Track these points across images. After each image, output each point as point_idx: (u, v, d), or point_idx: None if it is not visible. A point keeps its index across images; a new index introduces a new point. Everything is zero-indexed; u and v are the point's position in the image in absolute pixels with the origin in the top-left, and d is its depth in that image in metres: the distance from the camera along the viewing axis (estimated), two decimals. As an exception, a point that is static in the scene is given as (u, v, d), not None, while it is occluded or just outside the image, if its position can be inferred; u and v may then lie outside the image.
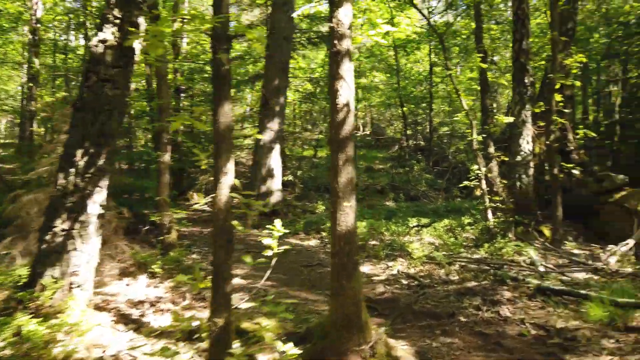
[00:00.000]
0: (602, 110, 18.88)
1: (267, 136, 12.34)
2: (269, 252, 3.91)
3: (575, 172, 10.53)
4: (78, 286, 4.59)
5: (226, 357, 3.30)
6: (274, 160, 12.46)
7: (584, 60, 9.95)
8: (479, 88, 14.04)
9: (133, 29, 4.66)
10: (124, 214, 7.14)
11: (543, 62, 14.60)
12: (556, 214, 9.18)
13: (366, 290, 6.26)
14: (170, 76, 14.99)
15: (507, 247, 8.41)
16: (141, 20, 4.99)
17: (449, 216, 11.50)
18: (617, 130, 16.21)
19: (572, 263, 7.79)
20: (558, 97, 9.57)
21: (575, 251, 8.85)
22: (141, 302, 5.34)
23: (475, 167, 9.85)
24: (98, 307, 4.93)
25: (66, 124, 5.90)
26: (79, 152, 4.63)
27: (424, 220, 11.00)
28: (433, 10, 20.04)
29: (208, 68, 14.83)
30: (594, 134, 10.88)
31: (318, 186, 16.32)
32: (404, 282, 6.83)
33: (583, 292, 5.61)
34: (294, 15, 11.52)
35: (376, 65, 22.26)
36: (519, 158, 9.85)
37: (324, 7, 17.59)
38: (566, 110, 10.56)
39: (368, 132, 26.39)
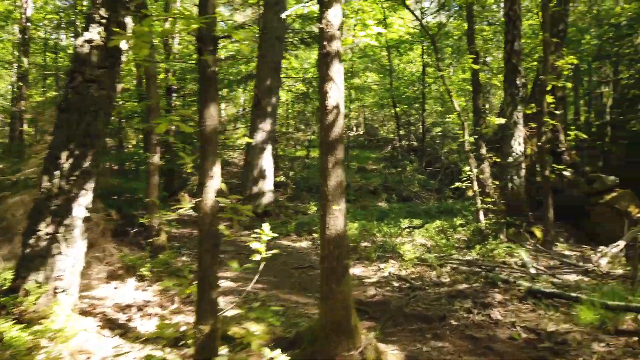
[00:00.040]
0: (594, 111, 18.97)
1: (259, 137, 12.25)
2: (256, 257, 3.86)
3: (567, 173, 10.58)
4: (63, 291, 4.50)
5: (212, 364, 3.24)
6: (266, 161, 12.38)
7: (575, 61, 10.00)
8: (471, 89, 14.05)
9: (119, 29, 4.58)
10: (112, 216, 7.06)
11: (535, 64, 14.67)
12: (547, 215, 9.19)
13: (357, 292, 6.22)
14: (161, 76, 14.88)
15: (499, 248, 8.40)
16: (128, 20, 4.91)
17: (441, 217, 11.48)
18: (608, 131, 16.29)
19: (563, 265, 7.80)
20: (549, 98, 9.60)
21: (567, 252, 8.87)
22: (128, 306, 5.26)
23: (467, 168, 9.84)
24: (84, 312, 4.85)
25: (52, 124, 5.81)
26: (64, 154, 4.54)
27: (416, 222, 10.97)
28: (426, 11, 20.05)
29: (199, 68, 14.69)
30: (585, 135, 10.94)
31: (310, 187, 16.22)
32: (395, 284, 6.79)
33: (574, 294, 5.60)
34: (284, 15, 11.44)
35: (369, 66, 22.20)
36: (510, 159, 9.86)
37: (317, 8, 17.51)
38: (557, 112, 10.60)
39: (361, 133, 26.35)
